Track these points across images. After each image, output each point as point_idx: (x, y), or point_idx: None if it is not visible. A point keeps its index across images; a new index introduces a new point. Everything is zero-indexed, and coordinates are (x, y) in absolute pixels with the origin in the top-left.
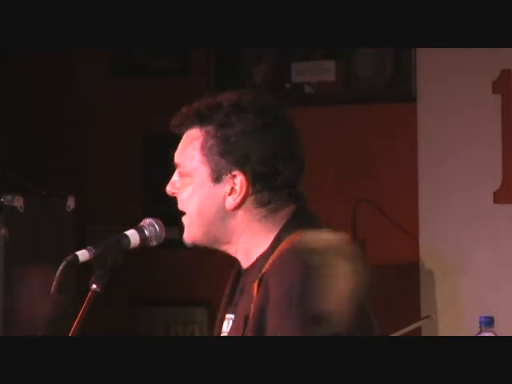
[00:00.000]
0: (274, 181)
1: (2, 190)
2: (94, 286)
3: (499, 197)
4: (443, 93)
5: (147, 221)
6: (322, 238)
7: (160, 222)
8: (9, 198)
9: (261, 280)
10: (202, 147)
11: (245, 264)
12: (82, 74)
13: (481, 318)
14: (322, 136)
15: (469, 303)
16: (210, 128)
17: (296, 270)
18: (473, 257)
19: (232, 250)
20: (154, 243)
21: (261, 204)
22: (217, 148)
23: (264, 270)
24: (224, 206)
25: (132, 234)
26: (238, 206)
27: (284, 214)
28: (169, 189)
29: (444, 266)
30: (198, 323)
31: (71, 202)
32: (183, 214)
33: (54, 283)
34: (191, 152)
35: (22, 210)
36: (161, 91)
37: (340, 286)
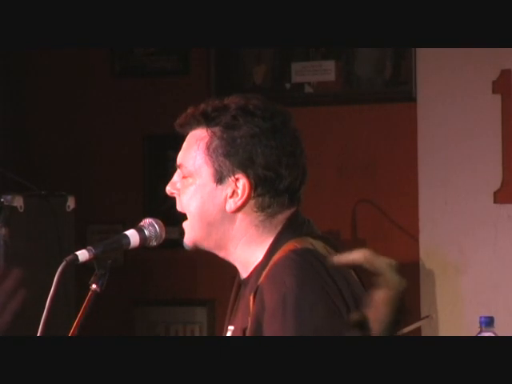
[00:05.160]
0: (277, 186)
1: (2, 189)
2: (93, 285)
3: (499, 197)
4: (443, 93)
5: (147, 221)
6: (314, 248)
7: (160, 222)
8: (9, 198)
9: (256, 292)
10: (207, 147)
11: (243, 274)
12: (82, 74)
13: (481, 318)
14: (322, 136)
15: (469, 303)
16: (216, 129)
17: (289, 279)
18: (473, 257)
19: (231, 257)
20: (154, 243)
21: (260, 208)
22: (222, 149)
23: (259, 282)
24: (224, 208)
25: (132, 234)
26: (239, 210)
27: (280, 220)
28: (169, 189)
29: (444, 266)
30: (198, 323)
31: (71, 202)
32: (185, 217)
33: (54, 283)
34: (195, 152)
35: (21, 210)
36: (161, 91)
37: (333, 293)
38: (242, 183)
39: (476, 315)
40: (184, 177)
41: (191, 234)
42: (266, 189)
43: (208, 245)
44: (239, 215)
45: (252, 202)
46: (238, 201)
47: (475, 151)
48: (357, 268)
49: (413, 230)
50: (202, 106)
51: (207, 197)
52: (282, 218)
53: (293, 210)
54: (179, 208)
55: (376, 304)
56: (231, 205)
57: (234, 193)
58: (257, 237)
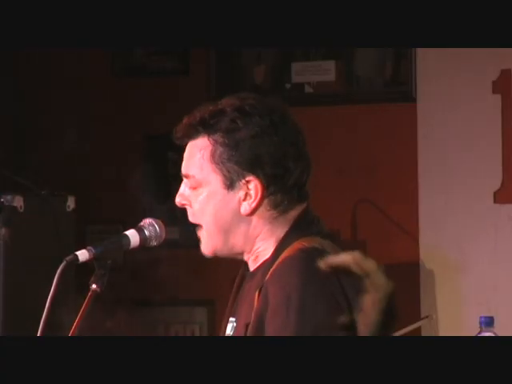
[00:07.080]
0: (287, 181)
1: (1, 189)
2: (93, 285)
3: (499, 197)
4: (443, 93)
5: (147, 221)
6: (321, 249)
7: (160, 222)
8: (9, 198)
9: (261, 289)
10: (212, 156)
11: (251, 267)
12: (82, 73)
13: (481, 317)
14: (321, 136)
15: (469, 303)
16: (217, 136)
17: (294, 279)
18: (473, 257)
19: (247, 255)
20: (154, 243)
21: (274, 206)
22: (227, 155)
23: (265, 279)
24: (239, 211)
25: (132, 234)
26: (254, 211)
27: (292, 216)
28: (179, 200)
29: (444, 266)
30: (198, 323)
31: (71, 202)
32: (199, 227)
33: (54, 283)
34: (200, 162)
35: (22, 210)
36: (161, 91)
37: (337, 294)
38: (253, 185)
39: (476, 315)
40: (193, 188)
41: (209, 243)
42: (277, 186)
43: (228, 251)
44: (254, 216)
45: (265, 201)
46: (252, 203)
47: (475, 151)
48: (345, 270)
49: (413, 230)
50: (198, 113)
51: (220, 204)
52: (293, 214)
53: (303, 206)
54: (192, 219)
55: (365, 308)
56: (246, 207)
57: (246, 195)
58: (270, 233)
